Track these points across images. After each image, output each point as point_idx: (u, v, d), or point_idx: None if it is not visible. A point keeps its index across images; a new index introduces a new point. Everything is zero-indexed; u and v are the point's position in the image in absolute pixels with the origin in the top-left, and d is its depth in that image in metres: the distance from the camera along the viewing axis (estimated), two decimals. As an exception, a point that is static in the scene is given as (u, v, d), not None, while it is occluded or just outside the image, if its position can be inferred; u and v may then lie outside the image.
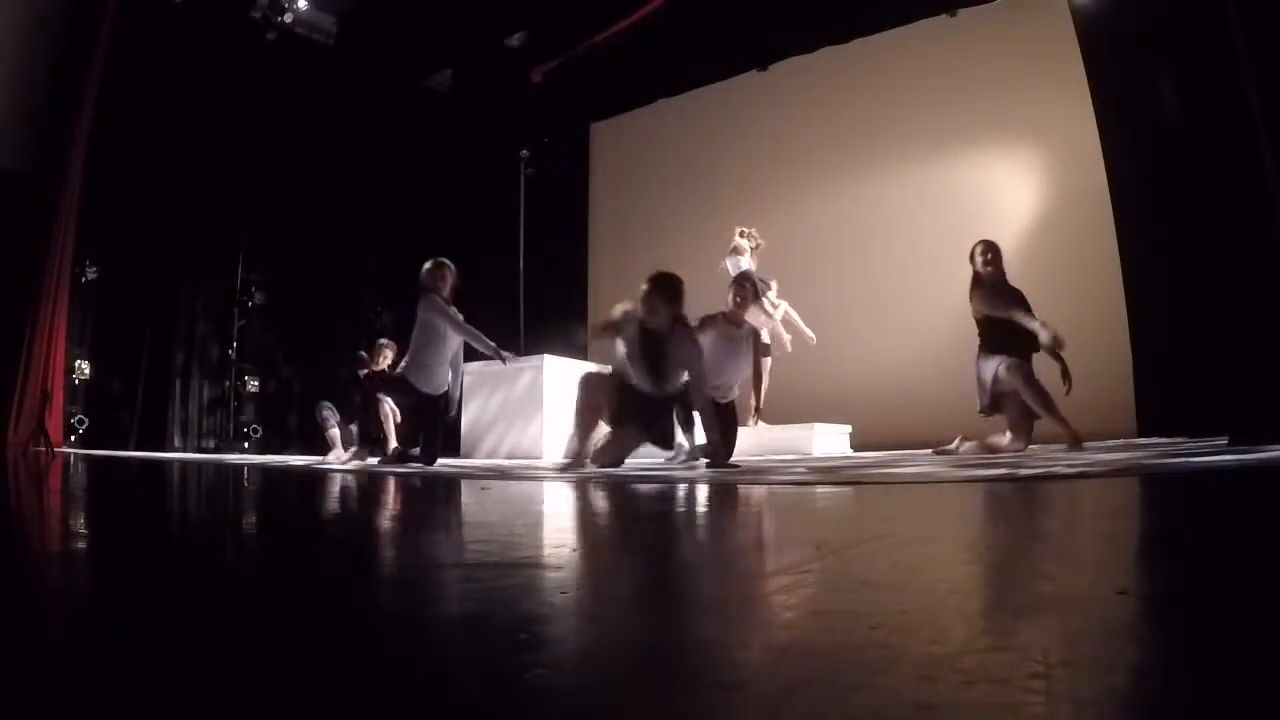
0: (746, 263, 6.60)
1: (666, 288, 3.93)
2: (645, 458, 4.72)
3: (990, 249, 4.46)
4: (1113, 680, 0.45)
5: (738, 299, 4.61)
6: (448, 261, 4.80)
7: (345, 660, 0.55)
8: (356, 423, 5.80)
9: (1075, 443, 4.09)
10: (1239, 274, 4.37)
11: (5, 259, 5.96)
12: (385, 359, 6.05)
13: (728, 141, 8.58)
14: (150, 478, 3.51)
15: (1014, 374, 4.21)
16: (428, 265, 4.78)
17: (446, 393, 4.83)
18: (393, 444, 4.83)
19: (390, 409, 4.82)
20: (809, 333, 6.51)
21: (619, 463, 3.92)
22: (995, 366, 4.31)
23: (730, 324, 4.59)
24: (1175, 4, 4.84)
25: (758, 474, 3.21)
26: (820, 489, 2.32)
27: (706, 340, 4.45)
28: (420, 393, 4.67)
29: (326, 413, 5.93)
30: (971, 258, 4.49)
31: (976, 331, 4.49)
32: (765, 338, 6.42)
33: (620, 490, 2.46)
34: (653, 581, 0.94)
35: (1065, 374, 4.18)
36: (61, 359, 6.22)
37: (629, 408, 3.93)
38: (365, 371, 6.06)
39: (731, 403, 4.83)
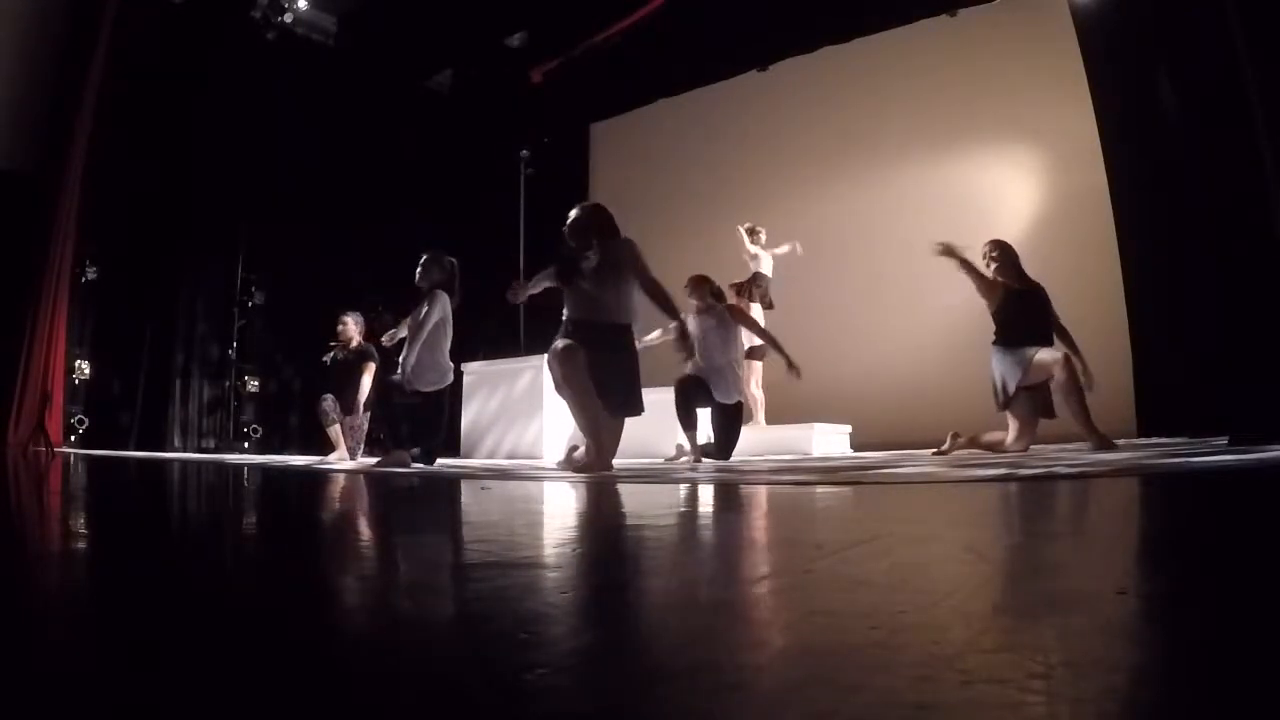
0: (759, 262, 6.70)
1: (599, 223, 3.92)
2: (644, 459, 4.71)
3: (993, 248, 4.50)
4: (1113, 680, 0.45)
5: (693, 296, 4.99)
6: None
7: (345, 660, 0.55)
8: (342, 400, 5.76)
9: (1104, 444, 3.98)
10: (1239, 274, 4.36)
11: (5, 259, 5.96)
12: (353, 335, 5.89)
13: (728, 141, 8.58)
14: (150, 478, 3.51)
15: (1059, 368, 4.10)
16: (446, 259, 4.71)
17: (451, 385, 4.78)
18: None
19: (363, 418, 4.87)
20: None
21: (609, 458, 3.68)
22: (1021, 357, 4.22)
23: (706, 308, 4.93)
24: (1175, 4, 4.83)
25: (757, 474, 3.21)
26: (820, 489, 2.32)
27: (693, 325, 4.79)
28: (427, 393, 4.56)
29: (326, 407, 5.78)
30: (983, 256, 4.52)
31: (993, 327, 4.45)
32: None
33: (619, 490, 2.46)
34: (652, 581, 0.94)
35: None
36: (61, 359, 6.21)
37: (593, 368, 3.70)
38: (340, 352, 5.92)
39: (737, 404, 4.85)
